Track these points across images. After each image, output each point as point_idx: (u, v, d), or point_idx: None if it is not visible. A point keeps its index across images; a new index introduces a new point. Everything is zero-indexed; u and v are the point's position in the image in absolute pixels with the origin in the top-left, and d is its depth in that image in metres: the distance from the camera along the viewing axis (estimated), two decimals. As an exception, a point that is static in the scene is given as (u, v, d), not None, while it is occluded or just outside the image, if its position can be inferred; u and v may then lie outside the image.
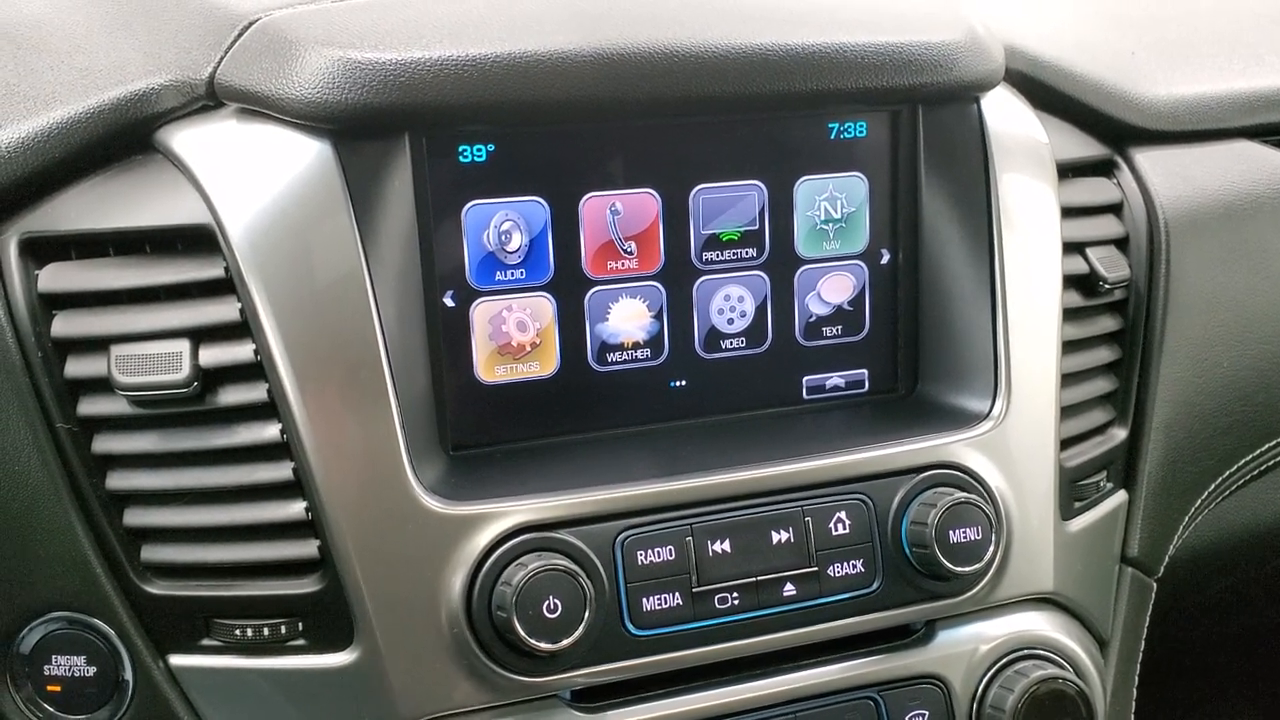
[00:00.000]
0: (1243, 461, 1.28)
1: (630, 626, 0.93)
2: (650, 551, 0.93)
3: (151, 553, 0.91)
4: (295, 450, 0.88)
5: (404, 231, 0.93)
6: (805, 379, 1.09)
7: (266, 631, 0.90)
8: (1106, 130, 1.23)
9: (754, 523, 0.96)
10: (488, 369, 0.99)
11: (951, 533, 0.97)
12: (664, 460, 0.99)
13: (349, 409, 0.89)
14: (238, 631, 0.90)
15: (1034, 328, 1.06)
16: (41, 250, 0.91)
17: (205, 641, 0.91)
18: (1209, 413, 1.24)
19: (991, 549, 0.99)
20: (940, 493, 0.99)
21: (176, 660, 0.92)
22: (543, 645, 0.87)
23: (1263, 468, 1.30)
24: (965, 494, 0.98)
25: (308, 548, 0.90)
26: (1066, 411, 1.11)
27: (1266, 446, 1.29)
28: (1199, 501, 1.25)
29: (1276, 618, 1.82)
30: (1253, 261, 1.26)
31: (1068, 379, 1.11)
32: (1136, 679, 1.20)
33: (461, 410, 0.99)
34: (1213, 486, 1.26)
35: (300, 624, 0.90)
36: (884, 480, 1.00)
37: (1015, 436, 1.04)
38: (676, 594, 0.94)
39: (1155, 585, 1.22)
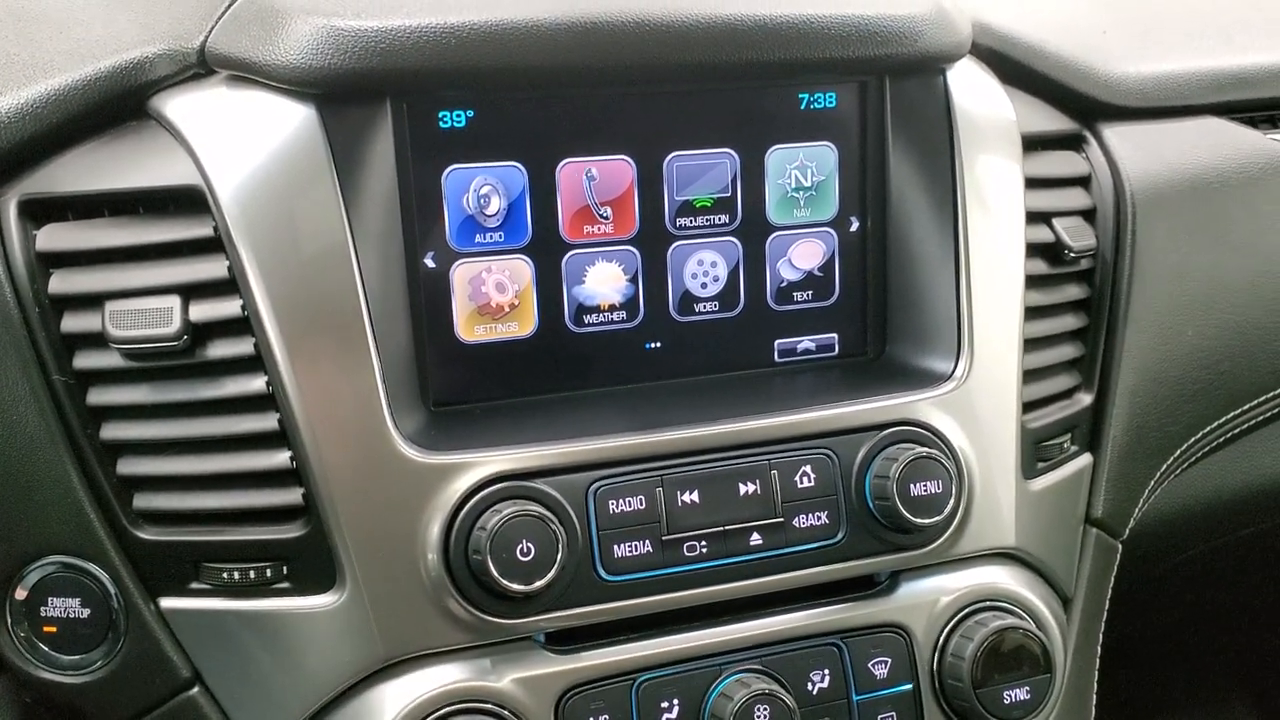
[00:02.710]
0: (1208, 429, 1.31)
1: (602, 572, 0.96)
2: (622, 501, 0.97)
3: (143, 500, 0.95)
4: (280, 402, 0.92)
5: (386, 194, 0.97)
6: (777, 342, 1.13)
7: (253, 575, 0.94)
8: (1076, 106, 1.27)
9: (722, 475, 1.00)
10: (468, 328, 1.03)
11: (912, 486, 1.01)
12: (637, 416, 1.03)
13: (332, 363, 0.93)
14: (225, 575, 0.94)
15: (997, 293, 1.10)
16: (39, 211, 0.95)
17: (194, 585, 0.95)
18: (1174, 380, 1.27)
19: (952, 502, 1.02)
20: (903, 448, 1.02)
21: (167, 603, 0.96)
22: (516, 586, 0.91)
23: (1227, 435, 1.34)
24: (926, 449, 1.02)
25: (292, 495, 0.93)
26: (1031, 375, 1.14)
27: (1231, 414, 1.33)
28: (1164, 467, 1.28)
29: (1249, 590, 1.86)
30: (1218, 234, 1.30)
31: (1033, 343, 1.14)
32: (1100, 637, 1.23)
33: (442, 368, 1.03)
34: (1178, 452, 1.29)
35: (285, 568, 0.94)
36: (848, 436, 1.03)
37: (977, 396, 1.08)
38: (647, 542, 0.98)
39: (1120, 547, 1.25)
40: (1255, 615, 1.92)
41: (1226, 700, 2.08)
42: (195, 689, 0.95)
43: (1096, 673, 1.22)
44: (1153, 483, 1.28)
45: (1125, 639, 1.83)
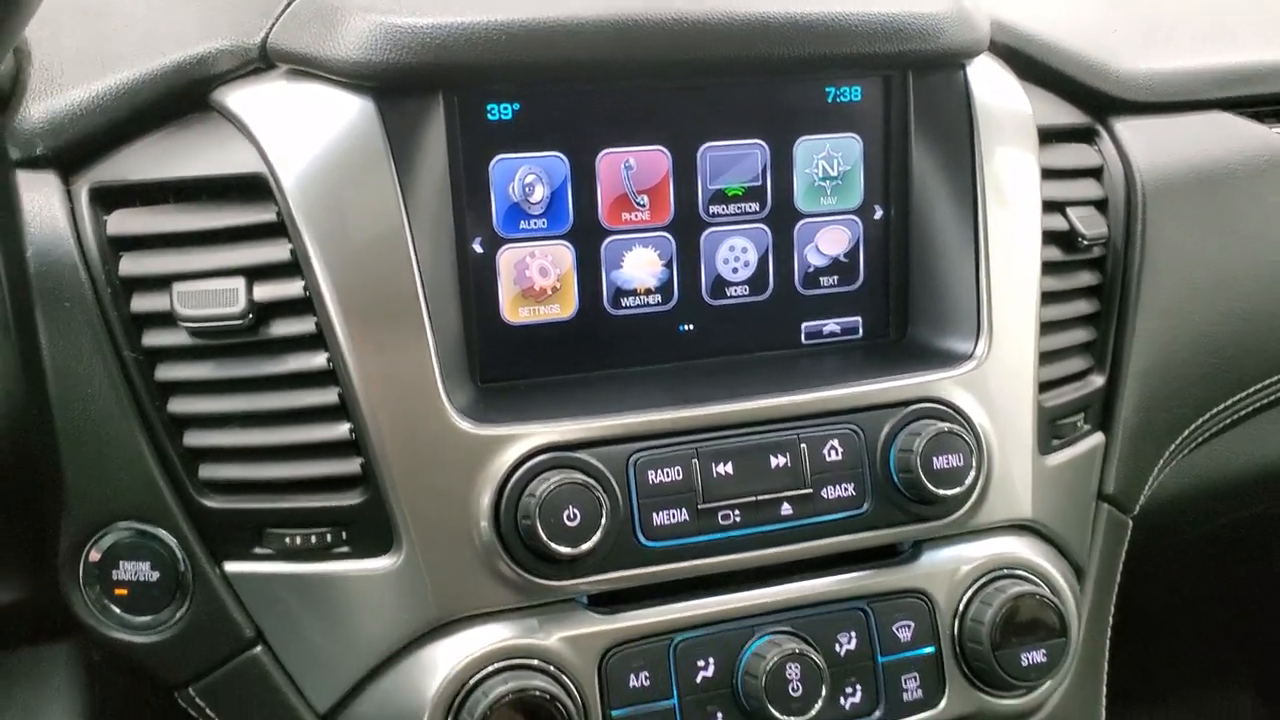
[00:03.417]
0: (1214, 410, 1.36)
1: (642, 538, 1.02)
2: (660, 471, 1.02)
3: (209, 471, 1.01)
4: (341, 377, 0.97)
5: (438, 182, 1.03)
6: (804, 325, 1.18)
7: (313, 540, 0.99)
8: (1089, 100, 1.32)
9: (755, 448, 1.05)
10: (512, 310, 1.09)
11: (935, 459, 1.07)
12: (673, 393, 1.08)
13: (389, 340, 0.98)
14: (287, 540, 0.99)
15: (1015, 278, 1.15)
16: (110, 198, 1.00)
17: (257, 550, 1.00)
18: (1182, 363, 1.32)
19: (972, 475, 1.08)
20: (925, 424, 1.08)
21: (231, 566, 1.01)
22: (563, 550, 0.97)
23: (1233, 417, 1.39)
24: (948, 425, 1.07)
25: (351, 465, 0.99)
26: (1046, 357, 1.19)
27: (1237, 397, 1.38)
28: (1173, 446, 1.33)
29: (1255, 569, 1.91)
30: (1225, 224, 1.34)
31: (1048, 327, 1.19)
32: (1111, 609, 1.29)
33: (489, 347, 1.08)
34: (1186, 433, 1.34)
35: (344, 533, 0.99)
36: (874, 412, 1.09)
37: (996, 376, 1.13)
38: (683, 510, 1.03)
39: (1130, 523, 1.30)
40: (1262, 594, 1.97)
41: (1231, 676, 2.13)
42: (258, 648, 1.01)
43: (1108, 642, 1.27)
44: (1161, 462, 1.33)
45: (1137, 613, 1.89)
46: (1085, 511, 1.24)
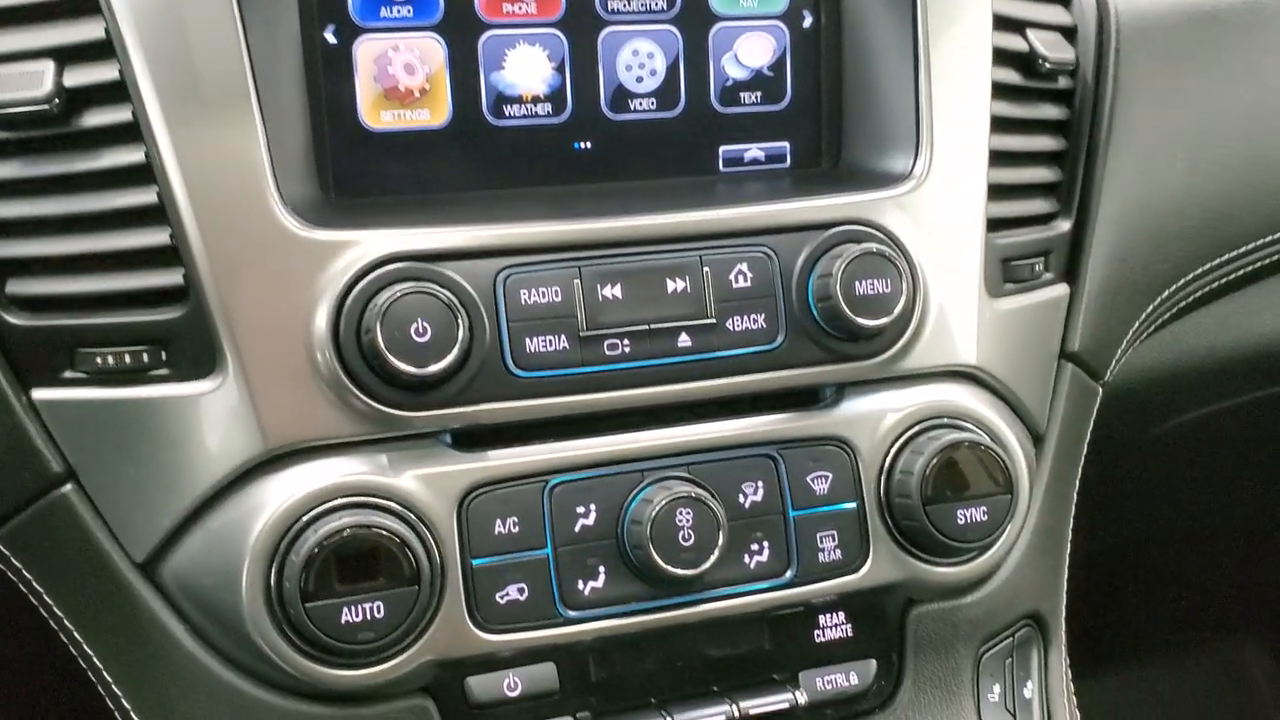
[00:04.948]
0: (1199, 271, 1.22)
1: (512, 366, 0.88)
2: (534, 291, 0.89)
3: (16, 286, 0.88)
4: (159, 175, 0.85)
5: None
6: (722, 149, 1.04)
7: (128, 360, 0.86)
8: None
9: (648, 269, 0.92)
10: (373, 114, 0.95)
11: (858, 284, 0.92)
12: (557, 207, 0.94)
13: (213, 133, 0.85)
14: (99, 360, 0.86)
15: (959, 93, 1.01)
16: None
17: (68, 374, 0.87)
18: (1162, 214, 1.18)
19: (902, 304, 0.94)
20: (850, 248, 0.94)
21: (39, 394, 0.88)
22: (408, 369, 0.83)
23: (1221, 281, 1.24)
24: (875, 245, 0.93)
25: (172, 276, 0.86)
26: (1001, 191, 1.05)
27: (1225, 257, 1.23)
28: (1150, 308, 1.19)
29: (1255, 462, 1.75)
30: (1209, 64, 1.21)
31: (1003, 157, 1.05)
32: (1076, 484, 1.14)
33: (344, 154, 0.95)
34: (1165, 294, 1.20)
35: (163, 353, 0.86)
36: (791, 235, 0.95)
37: (936, 200, 0.99)
38: (562, 337, 0.89)
39: (1100, 391, 1.16)
40: (1260, 490, 1.82)
41: (1231, 575, 2.00)
42: (68, 486, 0.88)
43: (1072, 519, 1.13)
44: (1137, 324, 1.18)
45: (1132, 510, 1.75)
46: (1044, 369, 1.10)
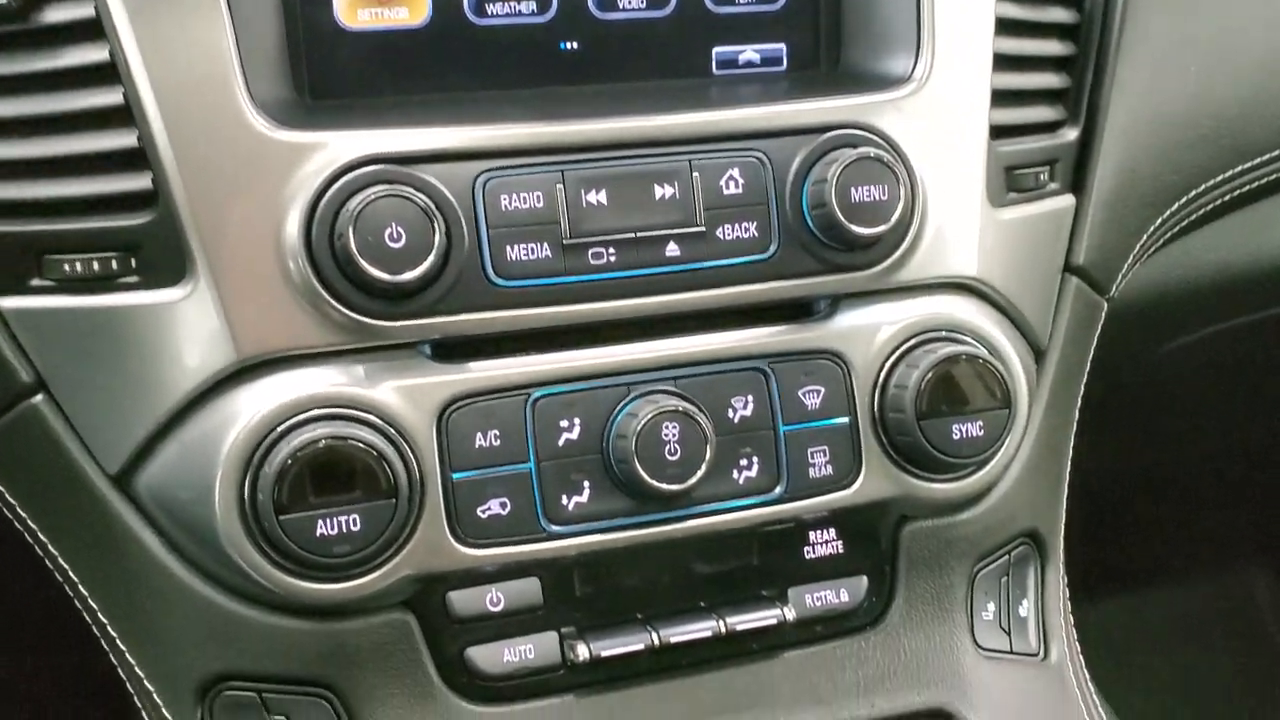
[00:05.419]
0: (1212, 182, 1.17)
1: (492, 275, 0.85)
2: (516, 196, 0.85)
3: None
4: (124, 74, 0.82)
5: None
6: (715, 50, 1.00)
7: (97, 266, 0.83)
8: None
9: (634, 174, 0.88)
10: (349, 12, 0.91)
11: (854, 190, 0.89)
12: (540, 109, 0.91)
13: (180, 29, 0.82)
14: (67, 267, 0.84)
15: (964, -6, 0.97)
16: None
17: (35, 281, 0.85)
18: (1174, 123, 1.14)
19: (900, 212, 0.90)
20: (846, 152, 0.90)
21: (7, 302, 0.85)
22: (381, 275, 0.80)
23: (1234, 193, 1.20)
24: (872, 150, 0.90)
25: (140, 180, 0.83)
26: (1005, 98, 1.01)
27: (1239, 168, 1.19)
28: (1160, 221, 1.15)
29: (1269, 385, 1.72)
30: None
31: (1008, 61, 1.01)
32: (1079, 400, 1.11)
33: (320, 54, 0.91)
34: (1176, 206, 1.16)
35: (132, 259, 0.84)
36: (785, 139, 0.91)
37: (937, 105, 0.95)
38: (545, 245, 0.86)
39: (1105, 305, 1.13)
40: (1272, 412, 1.79)
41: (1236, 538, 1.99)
42: (38, 397, 0.85)
43: (1073, 437, 1.10)
44: (1145, 237, 1.15)
45: (1138, 432, 1.72)
46: (1048, 282, 1.06)
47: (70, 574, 0.90)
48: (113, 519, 0.87)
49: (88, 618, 0.91)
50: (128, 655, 0.90)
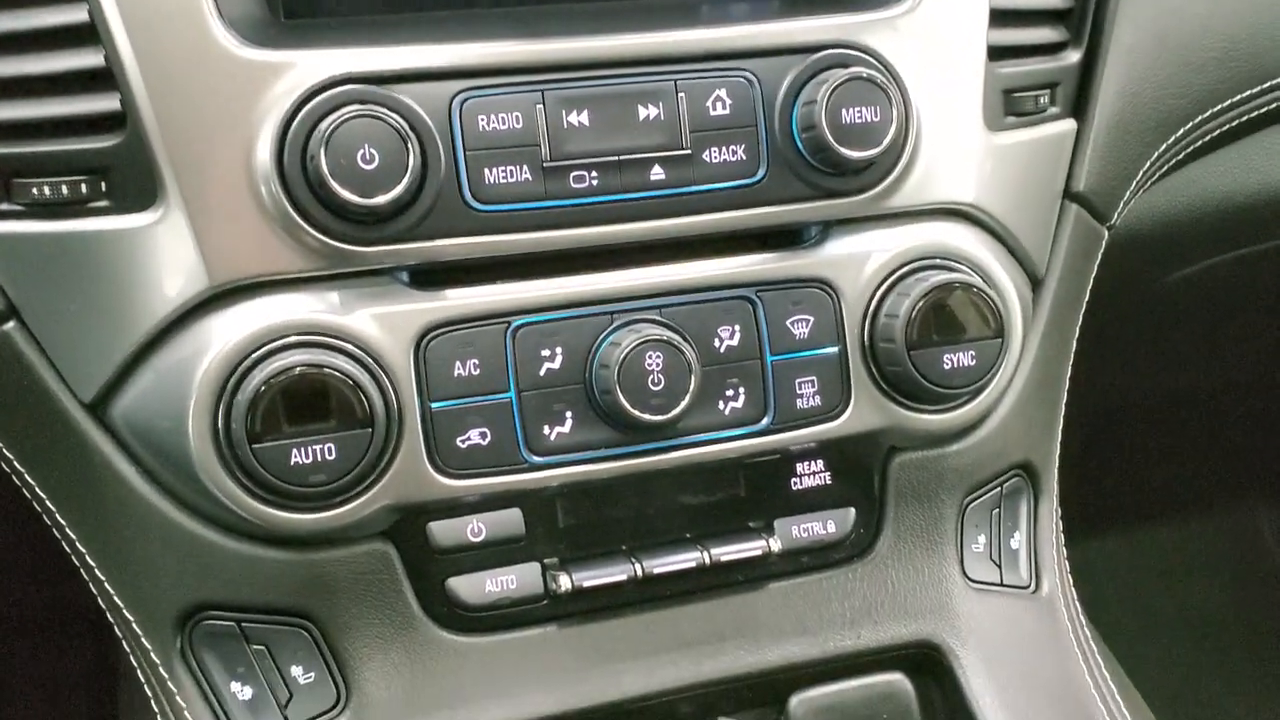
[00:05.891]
0: (1219, 107, 1.14)
1: (470, 199, 0.83)
2: (494, 117, 0.83)
3: None
4: None
5: None
6: (703, -33, 0.97)
7: (66, 190, 0.81)
8: None
9: (618, 94, 0.85)
10: (324, -74, 0.88)
11: (844, 112, 0.86)
12: (520, 26, 0.88)
13: None
14: (35, 190, 0.82)
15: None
16: None
17: (4, 206, 0.83)
18: (1181, 45, 1.10)
19: (892, 134, 0.88)
20: (837, 72, 0.87)
21: (-26, 228, 0.84)
22: (354, 198, 0.78)
23: (1242, 119, 1.17)
24: (864, 70, 0.87)
25: (108, 101, 0.81)
26: (1004, 17, 0.98)
27: (1246, 93, 1.15)
28: (1164, 147, 1.12)
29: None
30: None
31: (1007, -21, 0.98)
32: (1076, 330, 1.09)
33: None
34: (1180, 132, 1.12)
35: (102, 183, 0.82)
36: (774, 59, 0.88)
37: (932, 23, 0.92)
38: (525, 168, 0.84)
39: (1106, 234, 1.10)
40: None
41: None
42: (10, 324, 0.84)
43: (1069, 368, 1.08)
44: (1149, 164, 1.11)
45: (1140, 364, 1.70)
46: (1046, 209, 1.04)
47: (48, 503, 0.89)
48: (89, 448, 0.85)
49: (67, 548, 0.91)
50: (107, 585, 0.89)
